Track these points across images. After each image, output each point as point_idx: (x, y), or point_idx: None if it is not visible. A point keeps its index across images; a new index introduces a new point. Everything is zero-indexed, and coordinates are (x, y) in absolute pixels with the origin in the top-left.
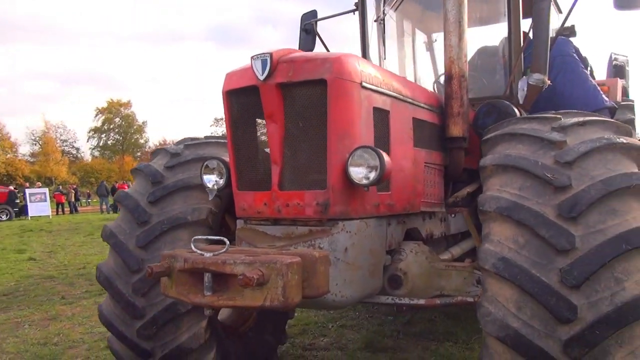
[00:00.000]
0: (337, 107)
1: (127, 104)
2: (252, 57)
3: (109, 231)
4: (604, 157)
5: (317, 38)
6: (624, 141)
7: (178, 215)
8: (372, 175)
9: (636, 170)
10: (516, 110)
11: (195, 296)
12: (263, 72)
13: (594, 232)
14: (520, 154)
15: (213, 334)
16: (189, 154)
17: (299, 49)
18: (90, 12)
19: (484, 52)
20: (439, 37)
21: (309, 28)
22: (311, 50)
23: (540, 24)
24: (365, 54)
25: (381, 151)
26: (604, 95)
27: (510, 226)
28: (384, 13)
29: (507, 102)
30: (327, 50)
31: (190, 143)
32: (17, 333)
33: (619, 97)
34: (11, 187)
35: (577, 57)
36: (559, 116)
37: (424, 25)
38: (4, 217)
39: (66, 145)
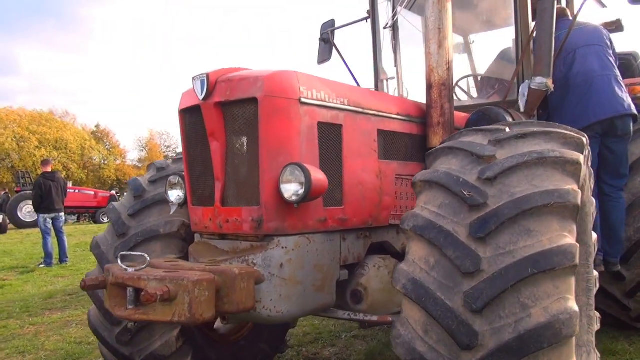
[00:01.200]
0: (268, 124)
1: None
2: (193, 78)
3: (95, 242)
4: (532, 173)
5: (334, 47)
6: (559, 155)
7: (152, 228)
8: (301, 191)
9: (568, 186)
10: (509, 117)
11: (120, 309)
12: (202, 92)
13: (503, 253)
14: (448, 169)
15: (188, 342)
16: (174, 169)
17: (318, 58)
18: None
19: (504, 56)
20: (476, 38)
21: (326, 38)
22: (328, 59)
23: (543, 25)
24: (376, 61)
25: (309, 167)
26: (627, 99)
27: (424, 246)
28: (393, 19)
29: (498, 109)
30: (343, 59)
31: (178, 157)
32: (61, 332)
33: None
34: (112, 192)
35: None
36: (504, 128)
37: (456, 27)
38: (105, 220)
39: (170, 151)
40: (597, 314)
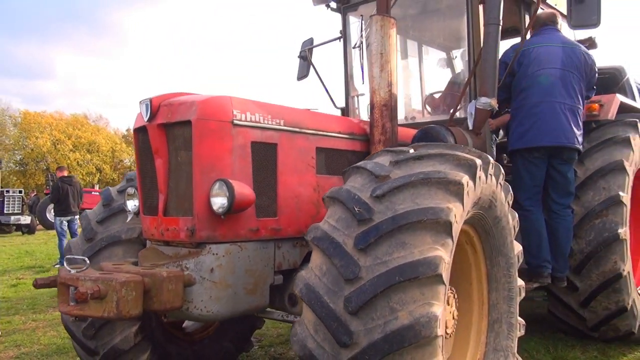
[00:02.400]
0: (201, 144)
1: None
2: (139, 102)
3: (68, 246)
4: (417, 192)
5: (311, 65)
6: (442, 176)
7: (114, 234)
8: (226, 204)
9: (445, 204)
10: (449, 135)
11: (63, 305)
12: (146, 115)
13: (379, 263)
14: (350, 187)
15: (146, 338)
16: None
17: (297, 75)
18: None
19: (457, 77)
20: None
21: (304, 55)
22: (306, 76)
23: (488, 48)
24: (347, 79)
25: (235, 183)
26: (575, 131)
27: (319, 255)
28: (361, 39)
29: (440, 128)
30: (319, 76)
31: None
32: (58, 328)
33: (611, 114)
34: None
35: None
36: (408, 150)
37: (438, 43)
38: None
39: None
40: (522, 321)
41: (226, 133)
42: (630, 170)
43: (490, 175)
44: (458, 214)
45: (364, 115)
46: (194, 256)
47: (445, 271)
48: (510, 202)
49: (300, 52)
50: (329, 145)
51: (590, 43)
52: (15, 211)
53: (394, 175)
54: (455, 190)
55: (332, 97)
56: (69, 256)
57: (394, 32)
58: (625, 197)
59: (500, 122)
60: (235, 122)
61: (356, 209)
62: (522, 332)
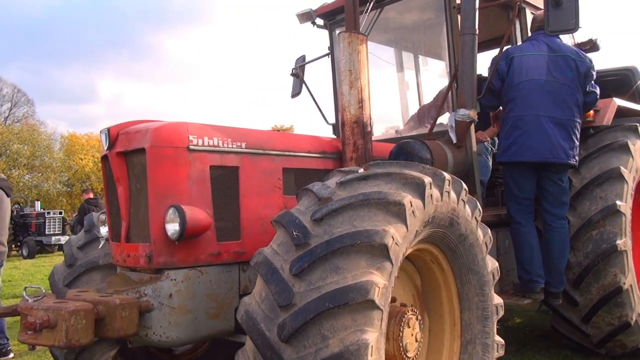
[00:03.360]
0: (156, 170)
1: (290, 129)
2: (100, 131)
3: (52, 271)
4: (357, 214)
5: (303, 82)
6: (382, 196)
7: (92, 259)
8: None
9: (382, 227)
10: (425, 149)
11: (22, 334)
12: (106, 144)
13: (312, 289)
14: (295, 210)
15: None
16: None
17: (291, 92)
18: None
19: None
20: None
21: (296, 73)
22: (299, 93)
23: (464, 58)
24: (336, 95)
25: (187, 209)
26: (567, 145)
27: (260, 280)
28: None
29: (415, 142)
30: (310, 93)
31: None
32: None
33: (607, 120)
34: None
35: None
36: (358, 170)
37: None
38: None
39: None
40: (500, 341)
41: (182, 159)
42: (630, 177)
43: (447, 192)
44: (399, 235)
45: None
46: (153, 282)
47: (379, 296)
48: (479, 218)
49: (293, 70)
50: (297, 165)
51: (592, 45)
52: (56, 232)
53: (336, 196)
54: (396, 211)
55: (323, 113)
56: (27, 286)
57: (364, 49)
58: (624, 206)
59: (492, 132)
60: (192, 147)
61: (295, 233)
62: (502, 352)
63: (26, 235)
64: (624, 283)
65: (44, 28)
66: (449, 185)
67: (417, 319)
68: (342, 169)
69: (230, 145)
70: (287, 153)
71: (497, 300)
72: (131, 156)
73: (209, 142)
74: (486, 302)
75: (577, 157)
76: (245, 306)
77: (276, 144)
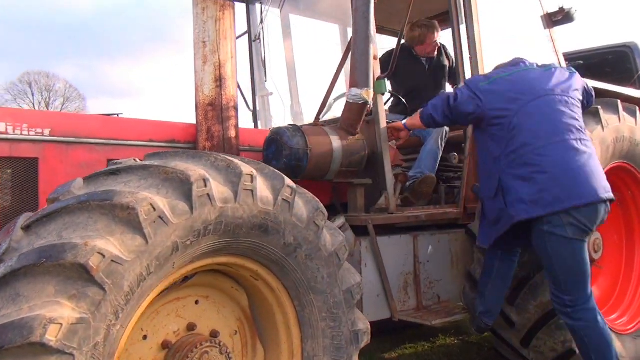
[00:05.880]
0: None
1: None
2: None
3: None
4: (73, 220)
5: None
6: (107, 198)
7: None
8: None
9: (108, 237)
10: (300, 135)
11: None
12: None
13: None
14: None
15: None
16: None
17: None
18: None
19: None
20: None
21: None
22: None
23: (357, 27)
24: (253, 77)
25: None
26: None
27: None
28: (260, 33)
29: (286, 129)
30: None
31: None
32: None
33: None
34: None
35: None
36: (130, 161)
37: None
38: None
39: None
40: None
41: None
42: None
43: (251, 190)
44: (126, 249)
45: (277, 118)
46: None
47: (63, 335)
48: (323, 222)
49: None
50: (130, 156)
51: (564, 15)
52: None
53: (65, 196)
54: (125, 217)
55: (246, 99)
56: None
57: (226, 16)
58: None
59: (414, 122)
60: None
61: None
62: None
63: None
64: None
65: (95, 28)
66: (252, 182)
67: (222, 352)
68: (117, 160)
69: (26, 133)
70: (115, 142)
71: (362, 325)
72: None
73: None
74: (338, 329)
75: None
76: None
77: (100, 131)
